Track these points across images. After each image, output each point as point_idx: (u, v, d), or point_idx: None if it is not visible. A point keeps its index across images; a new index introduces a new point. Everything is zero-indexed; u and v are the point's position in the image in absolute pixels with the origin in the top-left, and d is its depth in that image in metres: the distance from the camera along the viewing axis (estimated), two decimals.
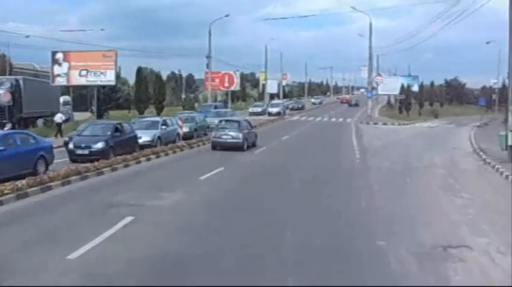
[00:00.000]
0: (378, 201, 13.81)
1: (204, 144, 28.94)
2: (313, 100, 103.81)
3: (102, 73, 44.48)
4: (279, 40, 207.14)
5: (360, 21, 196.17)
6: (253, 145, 27.53)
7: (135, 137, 23.66)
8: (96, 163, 18.47)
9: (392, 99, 72.75)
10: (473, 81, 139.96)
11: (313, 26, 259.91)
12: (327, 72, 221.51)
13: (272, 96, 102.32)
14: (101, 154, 20.17)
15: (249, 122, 30.07)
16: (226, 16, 59.08)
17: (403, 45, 73.86)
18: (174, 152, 24.95)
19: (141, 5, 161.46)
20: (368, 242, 9.98)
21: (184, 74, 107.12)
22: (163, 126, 27.58)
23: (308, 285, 7.81)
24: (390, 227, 11.02)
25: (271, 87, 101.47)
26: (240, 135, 26.13)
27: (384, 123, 50.56)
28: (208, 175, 17.80)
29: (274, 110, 58.57)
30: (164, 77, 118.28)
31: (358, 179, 17.63)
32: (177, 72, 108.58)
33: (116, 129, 22.33)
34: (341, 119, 56.24)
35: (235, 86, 78.14)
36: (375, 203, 13.47)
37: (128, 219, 11.30)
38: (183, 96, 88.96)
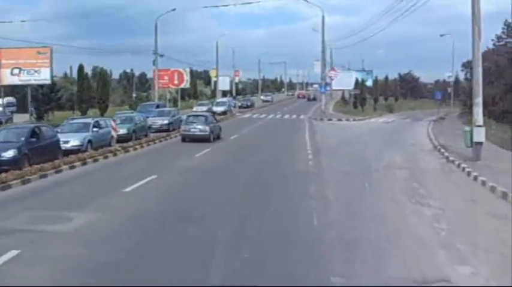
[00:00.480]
0: (333, 216, 11.41)
1: (142, 147, 26.21)
2: (262, 97, 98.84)
3: (36, 71, 41.27)
4: (233, 37, 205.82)
5: (314, 17, 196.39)
6: (218, 137, 29.82)
7: (58, 142, 20.64)
8: (3, 175, 15.55)
9: (346, 95, 71.12)
10: (426, 76, 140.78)
11: (268, 23, 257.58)
12: (281, 69, 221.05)
13: (224, 93, 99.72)
14: (13, 163, 17.17)
15: (214, 117, 33.38)
16: (172, 10, 56.24)
17: (355, 39, 72.07)
18: (106, 157, 22.11)
19: (96, 3, 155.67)
20: (320, 277, 7.63)
21: (137, 73, 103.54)
22: (95, 129, 24.67)
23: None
24: (348, 255, 8.65)
25: (223, 84, 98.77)
26: (207, 128, 28.72)
27: (339, 120, 48.70)
28: (136, 185, 15.12)
29: (220, 109, 54.51)
30: (116, 76, 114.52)
31: (310, 184, 15.26)
32: (129, 70, 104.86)
33: (33, 134, 19.26)
34: (294, 116, 54.15)
35: (185, 84, 75.16)
36: (329, 220, 11.07)
37: (11, 254, 8.59)
38: (134, 95, 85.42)
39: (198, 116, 30.86)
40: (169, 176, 17.34)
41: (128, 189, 14.55)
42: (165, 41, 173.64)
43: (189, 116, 31.74)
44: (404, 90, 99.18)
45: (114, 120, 26.26)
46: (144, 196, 14.01)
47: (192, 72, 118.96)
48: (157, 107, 41.14)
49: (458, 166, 18.92)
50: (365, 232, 10.13)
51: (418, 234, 10.04)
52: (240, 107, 62.30)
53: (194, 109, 51.35)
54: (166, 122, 35.27)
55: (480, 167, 18.21)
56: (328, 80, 59.28)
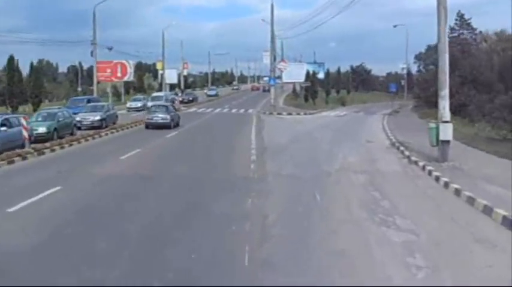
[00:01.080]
0: (272, 254, 8.33)
1: (62, 147, 22.61)
2: (206, 91, 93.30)
3: None
4: (185, 30, 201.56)
5: (266, 11, 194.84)
6: (177, 125, 32.78)
7: None
8: None
9: (298, 88, 68.41)
10: (378, 69, 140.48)
11: (221, 16, 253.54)
12: (232, 62, 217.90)
13: (172, 86, 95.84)
14: None
15: (173, 107, 38.16)
16: None
17: (305, 28, 69.74)
18: (11, 162, 18.48)
19: None
20: None
21: (86, 66, 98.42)
22: (4, 128, 20.95)
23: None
24: None
25: (171, 77, 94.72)
26: (168, 116, 31.93)
27: (289, 114, 45.96)
28: (26, 202, 11.70)
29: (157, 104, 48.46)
30: (65, 69, 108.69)
31: (247, 198, 12.21)
32: (77, 64, 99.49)
33: None
34: (242, 110, 51.17)
35: (129, 77, 71.08)
36: (264, 257, 8.04)
37: None
38: (79, 89, 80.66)
39: (159, 106, 35.10)
40: (75, 190, 13.80)
41: (12, 209, 11.15)
42: (117, 35, 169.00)
43: (151, 106, 36.51)
44: (356, 83, 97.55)
45: (25, 118, 22.50)
46: (29, 222, 10.54)
47: (140, 65, 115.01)
48: (89, 101, 37.29)
49: (424, 168, 16.28)
50: (313, 279, 7.17)
51: (389, 279, 7.14)
52: (181, 101, 57.86)
53: (128, 105, 47.37)
54: (98, 118, 31.65)
55: (449, 170, 15.66)
56: (278, 73, 56.53)
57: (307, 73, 57.35)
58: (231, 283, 6.98)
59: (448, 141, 16.95)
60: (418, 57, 77.85)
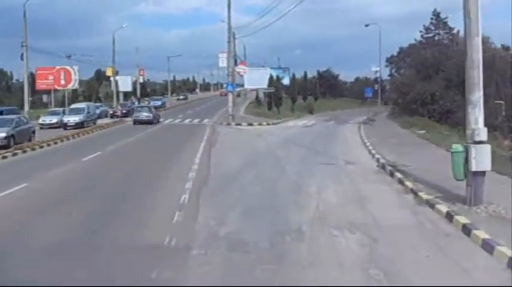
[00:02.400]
0: None
1: None
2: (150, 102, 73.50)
3: None
4: (149, 38, 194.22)
5: (231, 19, 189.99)
6: (157, 121, 41.71)
7: None
8: None
9: (261, 95, 62.10)
10: (345, 75, 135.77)
11: (185, 24, 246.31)
12: (194, 69, 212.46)
13: (126, 95, 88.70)
14: None
15: (155, 107, 49.73)
16: None
17: (267, 32, 63.91)
18: None
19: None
20: None
21: None
22: None
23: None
24: None
25: (124, 84, 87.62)
26: (151, 115, 41.30)
27: (249, 124, 39.65)
28: None
29: (72, 119, 37.19)
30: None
31: None
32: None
33: None
34: (197, 120, 44.68)
35: (73, 84, 63.87)
36: None
37: None
38: (30, 99, 72.63)
39: (143, 107, 45.80)
40: None
41: None
42: (80, 43, 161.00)
43: (137, 107, 47.14)
44: (324, 89, 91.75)
45: None
46: None
47: (100, 72, 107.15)
48: (1, 113, 30.29)
49: (450, 217, 10.13)
50: None
51: None
52: (112, 115, 49.05)
53: (41, 121, 38.22)
54: (3, 135, 24.84)
55: (496, 222, 9.53)
56: (239, 79, 50.41)
57: (271, 78, 51.09)
58: None
59: (483, 173, 10.78)
60: (390, 61, 72.61)
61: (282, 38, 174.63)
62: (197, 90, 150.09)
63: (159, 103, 73.13)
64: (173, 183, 14.91)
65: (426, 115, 38.03)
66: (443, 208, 10.77)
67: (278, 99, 48.10)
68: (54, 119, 38.51)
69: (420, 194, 12.37)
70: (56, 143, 26.87)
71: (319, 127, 38.67)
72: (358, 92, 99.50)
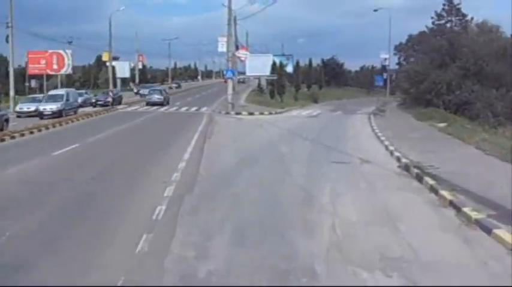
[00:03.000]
0: None
1: None
2: (134, 90, 71.68)
3: None
4: (154, 26, 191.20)
5: (235, 6, 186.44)
6: (167, 103, 45.56)
7: None
8: None
9: (263, 82, 58.98)
10: (349, 63, 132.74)
11: (189, 11, 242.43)
12: (196, 56, 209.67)
13: (124, 81, 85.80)
14: None
15: (165, 90, 51.77)
16: None
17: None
18: None
19: None
20: None
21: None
22: None
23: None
24: None
25: (122, 70, 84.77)
26: (162, 97, 45.80)
27: (250, 113, 36.71)
28: None
29: (48, 107, 33.01)
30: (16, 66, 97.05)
31: None
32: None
33: None
34: (194, 109, 41.75)
35: (66, 69, 60.82)
36: None
37: None
38: (26, 84, 69.85)
39: (155, 90, 49.66)
40: None
41: None
42: (83, 29, 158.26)
43: (150, 90, 50.26)
44: (328, 77, 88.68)
45: None
46: None
47: (100, 57, 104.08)
48: None
49: None
50: None
51: None
52: (94, 104, 43.87)
53: (18, 108, 35.37)
54: None
55: None
56: (240, 66, 47.44)
57: (274, 65, 47.98)
58: None
59: None
60: (398, 49, 69.45)
61: (286, 26, 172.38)
62: (199, 77, 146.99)
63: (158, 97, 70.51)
64: (150, 188, 12.04)
65: (441, 106, 35.03)
66: (505, 235, 7.90)
67: (281, 87, 45.06)
68: (32, 107, 34.69)
69: (465, 209, 9.51)
70: (32, 132, 24.03)
71: (326, 117, 35.72)
72: (364, 81, 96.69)
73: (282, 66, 46.82)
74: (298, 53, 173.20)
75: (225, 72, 63.07)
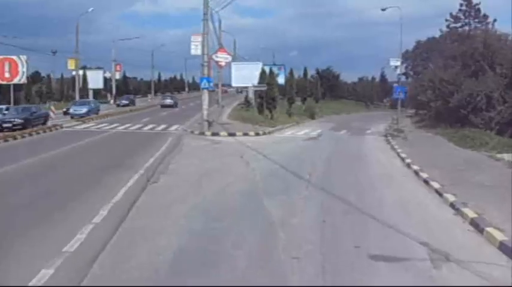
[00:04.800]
0: None
1: None
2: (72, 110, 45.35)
3: None
4: (148, 39, 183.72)
5: (231, 20, 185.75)
6: (175, 105, 59.98)
7: None
8: None
9: (251, 94, 50.01)
10: (345, 75, 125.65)
11: (182, 24, 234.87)
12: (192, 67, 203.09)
13: (95, 93, 76.89)
14: None
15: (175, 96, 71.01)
16: None
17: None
18: None
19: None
20: None
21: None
22: None
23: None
24: None
25: (94, 80, 75.96)
26: (173, 101, 61.30)
27: (230, 134, 28.29)
28: None
29: None
30: None
31: None
32: None
33: None
34: (163, 127, 33.24)
35: (20, 78, 51.92)
36: None
37: None
38: None
39: (167, 96, 68.19)
40: None
41: None
42: (72, 41, 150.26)
43: (163, 96, 67.89)
44: (323, 90, 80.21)
45: None
46: None
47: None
48: None
49: None
50: None
51: None
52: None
53: None
54: None
55: None
56: (218, 68, 38.78)
57: (263, 73, 39.40)
58: None
59: None
60: (405, 57, 61.30)
61: (278, 39, 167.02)
62: (186, 89, 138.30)
63: (127, 102, 63.00)
64: None
65: (481, 125, 26.74)
66: None
67: (271, 100, 36.71)
68: None
69: None
70: None
71: (329, 140, 27.27)
72: (362, 94, 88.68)
73: (272, 73, 38.37)
74: (291, 66, 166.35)
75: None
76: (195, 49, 30.91)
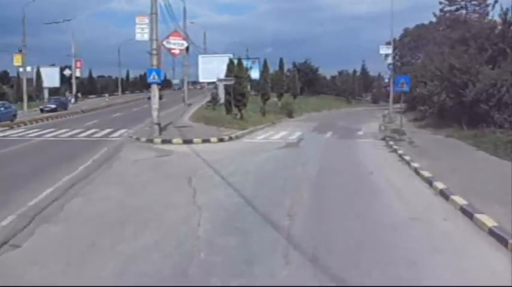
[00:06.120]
0: None
1: None
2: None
3: None
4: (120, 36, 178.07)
5: (205, 16, 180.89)
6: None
7: None
8: None
9: (220, 90, 43.11)
10: (323, 70, 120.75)
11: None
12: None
13: (52, 92, 69.72)
14: None
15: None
16: None
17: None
18: None
19: None
20: None
21: None
22: None
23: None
24: None
25: (50, 78, 68.95)
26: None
27: (186, 141, 21.96)
28: None
29: None
30: None
31: None
32: None
33: None
34: (106, 132, 26.82)
35: None
36: None
37: None
38: None
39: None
40: None
41: None
42: (50, 40, 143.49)
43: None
44: (301, 84, 73.75)
45: None
46: None
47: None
48: None
49: None
50: None
51: None
52: None
53: None
54: None
55: None
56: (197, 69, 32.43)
57: (231, 64, 32.65)
58: None
59: None
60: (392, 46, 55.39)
61: (253, 35, 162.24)
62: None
63: (53, 107, 48.72)
64: None
65: (505, 124, 20.76)
66: None
67: (240, 96, 30.26)
68: None
69: None
70: None
71: (314, 147, 21.01)
72: (343, 88, 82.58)
73: (240, 64, 31.65)
74: (268, 61, 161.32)
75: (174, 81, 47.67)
76: (141, 34, 24.27)
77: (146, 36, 24.40)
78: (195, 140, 22.20)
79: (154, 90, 23.84)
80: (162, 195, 11.64)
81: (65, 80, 77.88)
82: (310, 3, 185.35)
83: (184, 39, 28.96)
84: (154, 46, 23.60)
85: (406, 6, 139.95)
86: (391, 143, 20.77)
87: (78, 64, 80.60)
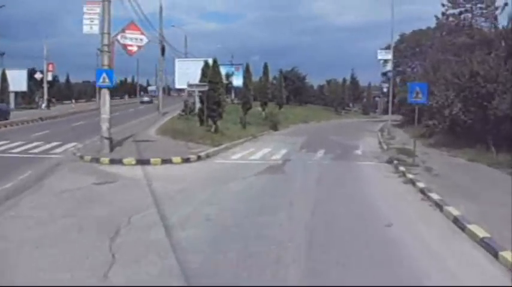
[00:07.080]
0: None
1: None
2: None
3: None
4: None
5: (193, 24, 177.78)
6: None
7: None
8: None
9: (196, 98, 37.62)
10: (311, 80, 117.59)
11: (146, 27, 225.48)
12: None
13: (18, 96, 64.49)
14: None
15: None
16: None
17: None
18: None
19: None
20: None
21: None
22: None
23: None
24: None
25: (17, 82, 63.55)
26: (149, 98, 75.18)
27: (140, 162, 17.18)
28: None
29: None
30: None
31: None
32: None
33: None
34: (51, 146, 21.95)
35: None
36: None
37: None
38: None
39: (145, 95, 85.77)
40: None
41: None
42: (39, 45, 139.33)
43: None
44: (287, 92, 68.94)
45: None
46: None
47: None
48: None
49: None
50: None
51: None
52: None
53: None
54: None
55: None
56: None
57: (206, 66, 27.77)
58: None
59: None
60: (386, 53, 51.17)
61: (242, 42, 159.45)
62: (142, 93, 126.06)
63: None
64: None
65: None
66: None
67: (216, 105, 25.36)
68: None
69: None
70: None
71: (302, 173, 16.34)
72: (331, 98, 78.12)
73: (216, 67, 26.80)
74: (253, 69, 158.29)
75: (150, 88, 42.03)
76: (90, 25, 19.46)
77: (96, 29, 19.58)
78: (152, 160, 17.47)
79: (105, 97, 18.99)
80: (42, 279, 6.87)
81: (37, 84, 73.04)
82: (299, 12, 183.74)
83: (142, 34, 24.09)
84: (106, 42, 18.81)
85: (399, 18, 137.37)
86: (401, 168, 16.18)
87: (51, 67, 75.42)
